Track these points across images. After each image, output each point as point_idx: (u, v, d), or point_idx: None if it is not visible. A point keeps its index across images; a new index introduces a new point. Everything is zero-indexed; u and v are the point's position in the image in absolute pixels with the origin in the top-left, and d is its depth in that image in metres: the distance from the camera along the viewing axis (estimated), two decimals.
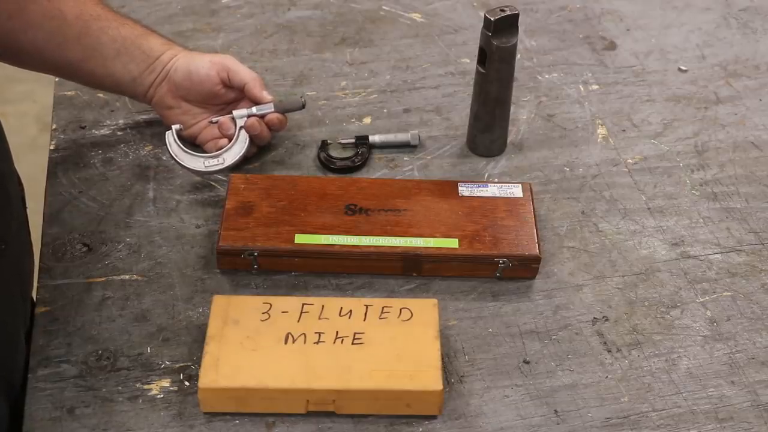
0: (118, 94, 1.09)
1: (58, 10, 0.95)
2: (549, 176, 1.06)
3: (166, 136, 1.01)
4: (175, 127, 1.02)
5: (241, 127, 1.02)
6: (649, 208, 1.03)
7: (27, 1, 0.94)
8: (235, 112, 1.03)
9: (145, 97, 1.03)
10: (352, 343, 0.83)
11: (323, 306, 0.86)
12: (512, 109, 1.08)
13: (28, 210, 0.95)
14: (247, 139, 1.02)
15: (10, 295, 0.86)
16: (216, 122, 1.03)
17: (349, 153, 1.08)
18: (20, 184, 0.95)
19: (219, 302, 0.86)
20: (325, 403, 0.81)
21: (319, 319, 0.85)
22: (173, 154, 1.01)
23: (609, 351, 0.89)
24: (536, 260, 0.93)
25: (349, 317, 0.85)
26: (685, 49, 1.26)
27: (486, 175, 1.06)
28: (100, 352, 0.87)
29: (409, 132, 1.09)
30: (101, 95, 1.13)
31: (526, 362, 0.88)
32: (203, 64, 1.01)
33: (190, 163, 1.01)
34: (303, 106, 1.05)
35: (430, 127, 1.12)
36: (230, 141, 1.02)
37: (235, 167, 1.02)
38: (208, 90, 1.02)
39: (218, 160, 1.01)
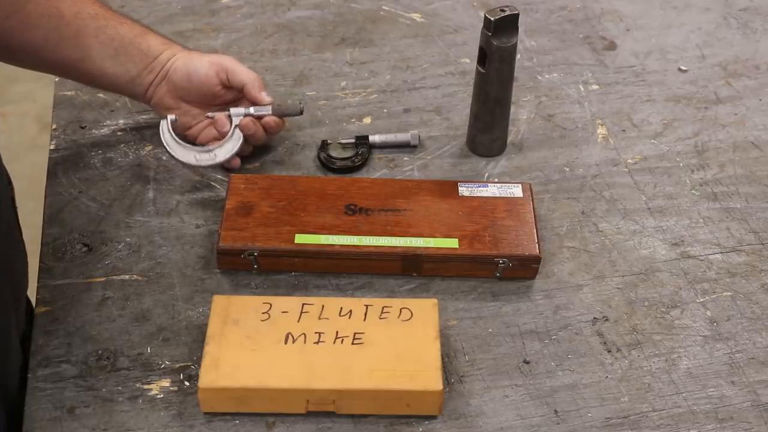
0: (117, 94, 1.09)
1: (55, 8, 0.95)
2: (549, 176, 1.06)
3: (161, 125, 1.01)
4: (170, 116, 1.02)
5: (236, 125, 1.02)
6: (649, 208, 1.03)
7: (25, 0, 0.93)
8: (233, 110, 1.03)
9: (144, 97, 1.03)
10: (352, 343, 0.83)
11: (323, 306, 0.86)
12: (512, 109, 1.09)
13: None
14: (242, 137, 1.02)
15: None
16: (212, 117, 1.03)
17: (349, 153, 1.08)
18: (10, 183, 0.94)
19: (219, 302, 0.86)
20: (325, 403, 0.81)
21: (319, 319, 0.85)
22: (166, 144, 1.00)
23: (609, 351, 0.89)
24: (536, 260, 0.93)
25: (349, 317, 0.85)
26: (685, 49, 1.26)
27: (486, 175, 1.06)
28: (100, 352, 0.87)
29: (409, 132, 1.09)
30: (101, 95, 1.13)
31: (526, 362, 0.88)
32: (202, 65, 1.00)
33: (182, 156, 1.01)
34: (301, 112, 1.05)
35: (430, 127, 1.12)
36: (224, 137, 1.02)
37: (228, 163, 1.02)
38: (207, 91, 1.02)
39: (210, 155, 1.01)
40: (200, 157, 1.01)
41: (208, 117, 1.04)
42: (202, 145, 1.04)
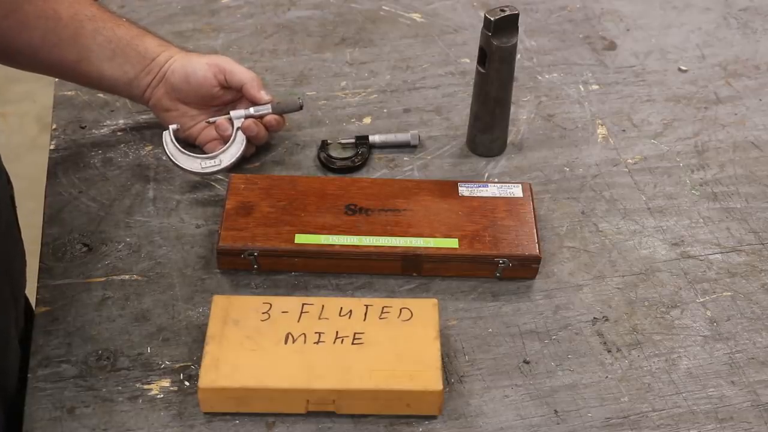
0: (116, 95, 1.09)
1: (53, 10, 0.95)
2: (549, 176, 1.06)
3: (163, 136, 1.01)
4: (172, 126, 1.02)
5: (238, 128, 1.02)
6: (649, 208, 1.03)
7: (22, 1, 0.93)
8: (233, 113, 1.03)
9: (142, 98, 1.03)
10: (352, 343, 0.83)
11: (323, 306, 0.86)
12: (512, 109, 1.09)
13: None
14: (244, 139, 1.02)
15: None
16: (213, 122, 1.03)
17: (349, 153, 1.08)
18: (9, 183, 0.94)
19: (219, 302, 0.86)
20: (325, 403, 0.81)
21: (319, 319, 0.85)
22: (170, 155, 1.00)
23: (609, 351, 0.89)
24: (536, 260, 0.93)
25: (349, 317, 0.85)
26: (685, 49, 1.26)
27: (486, 175, 1.06)
28: (100, 352, 0.87)
29: (409, 132, 1.09)
30: (101, 95, 1.13)
31: (526, 362, 0.88)
32: (200, 67, 1.00)
33: (187, 164, 1.01)
34: (301, 108, 1.05)
35: (430, 127, 1.12)
36: (227, 141, 1.02)
37: (233, 168, 1.02)
38: (205, 92, 1.02)
39: (215, 162, 1.01)
40: (205, 164, 1.01)
41: (208, 123, 1.03)
42: (203, 146, 1.04)
